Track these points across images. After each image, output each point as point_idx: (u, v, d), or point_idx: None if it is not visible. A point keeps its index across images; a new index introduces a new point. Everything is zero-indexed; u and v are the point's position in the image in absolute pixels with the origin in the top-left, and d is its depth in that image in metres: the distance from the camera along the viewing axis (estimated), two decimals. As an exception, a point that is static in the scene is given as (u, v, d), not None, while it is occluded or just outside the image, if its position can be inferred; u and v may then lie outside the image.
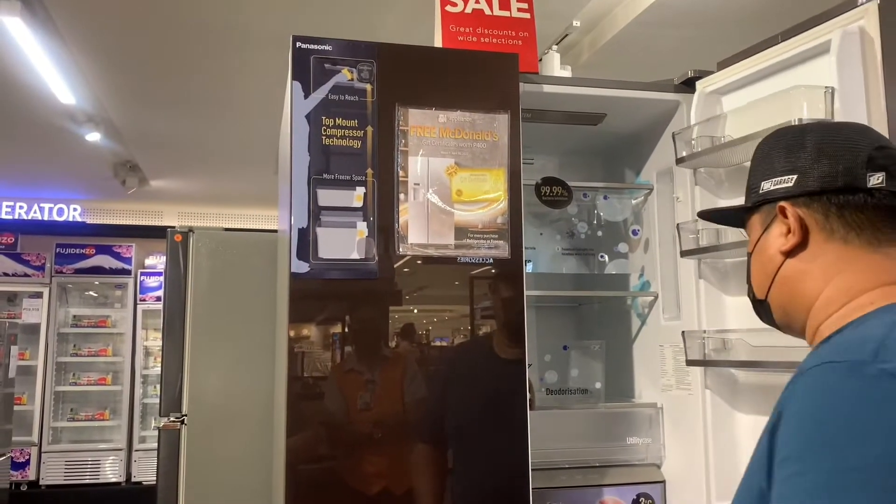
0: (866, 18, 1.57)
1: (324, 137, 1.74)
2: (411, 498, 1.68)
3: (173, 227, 2.78)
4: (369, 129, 1.77)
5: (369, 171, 1.76)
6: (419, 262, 1.76)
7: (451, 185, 1.81)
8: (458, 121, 1.84)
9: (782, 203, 1.02)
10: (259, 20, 3.92)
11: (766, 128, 1.67)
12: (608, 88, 2.08)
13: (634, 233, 2.27)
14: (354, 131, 1.76)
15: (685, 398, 2.07)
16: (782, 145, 1.05)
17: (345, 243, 1.72)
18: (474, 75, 1.88)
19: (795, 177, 1.02)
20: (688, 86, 2.07)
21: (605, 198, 2.30)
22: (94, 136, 5.68)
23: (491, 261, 1.80)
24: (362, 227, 1.74)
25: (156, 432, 2.84)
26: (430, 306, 1.78)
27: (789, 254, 1.02)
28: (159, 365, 4.13)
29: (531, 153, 2.42)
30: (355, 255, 1.72)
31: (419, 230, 1.78)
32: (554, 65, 5.01)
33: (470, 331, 1.79)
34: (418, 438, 1.72)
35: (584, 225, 2.28)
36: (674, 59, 4.28)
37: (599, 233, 2.30)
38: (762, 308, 1.10)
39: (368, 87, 1.78)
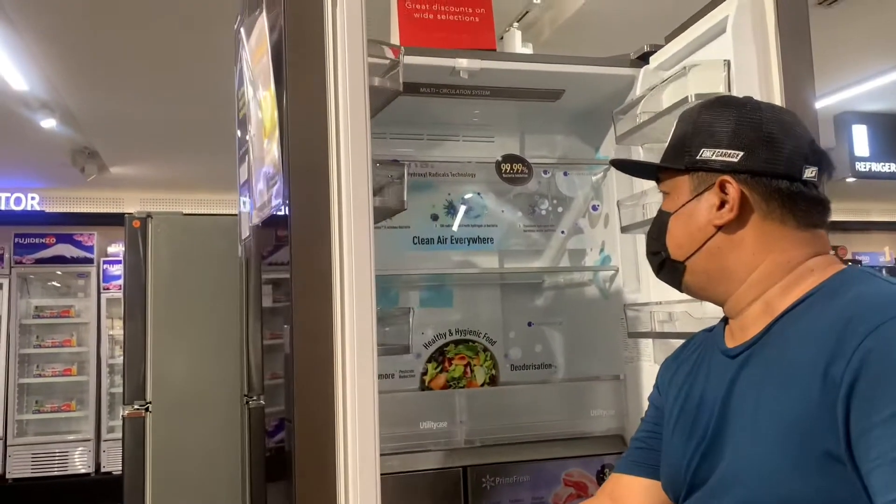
0: None
1: (238, 111, 1.69)
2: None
3: (134, 213, 2.75)
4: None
5: (247, 134, 1.63)
6: (256, 232, 1.59)
7: (263, 122, 1.47)
8: (256, 36, 1.49)
9: (725, 177, 1.06)
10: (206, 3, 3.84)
11: (677, 101, 1.71)
12: (565, 64, 2.08)
13: (594, 208, 2.29)
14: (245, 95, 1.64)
15: (647, 369, 2.11)
16: (728, 117, 1.08)
17: (244, 221, 1.65)
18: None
19: (742, 154, 1.05)
20: (643, 60, 2.08)
21: (565, 174, 2.31)
22: (49, 123, 5.54)
23: (275, 216, 1.41)
24: (248, 199, 1.61)
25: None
26: (274, 278, 1.54)
27: (722, 227, 1.06)
28: (125, 354, 4.13)
29: (491, 131, 2.43)
30: (245, 234, 1.65)
31: (259, 189, 1.54)
32: (515, 42, 4.99)
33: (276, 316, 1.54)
34: None
35: (545, 201, 2.30)
36: (635, 32, 4.29)
37: (560, 209, 2.32)
38: (673, 268, 1.12)
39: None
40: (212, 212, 8.29)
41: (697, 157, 1.07)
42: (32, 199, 8.03)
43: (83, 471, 7.02)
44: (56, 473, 6.94)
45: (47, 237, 7.37)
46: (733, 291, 1.07)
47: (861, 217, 10.83)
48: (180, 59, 4.64)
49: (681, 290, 1.14)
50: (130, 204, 8.77)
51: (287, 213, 1.36)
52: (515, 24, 4.56)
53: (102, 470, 7.03)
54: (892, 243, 9.91)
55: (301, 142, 1.37)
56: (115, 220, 8.69)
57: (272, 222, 1.49)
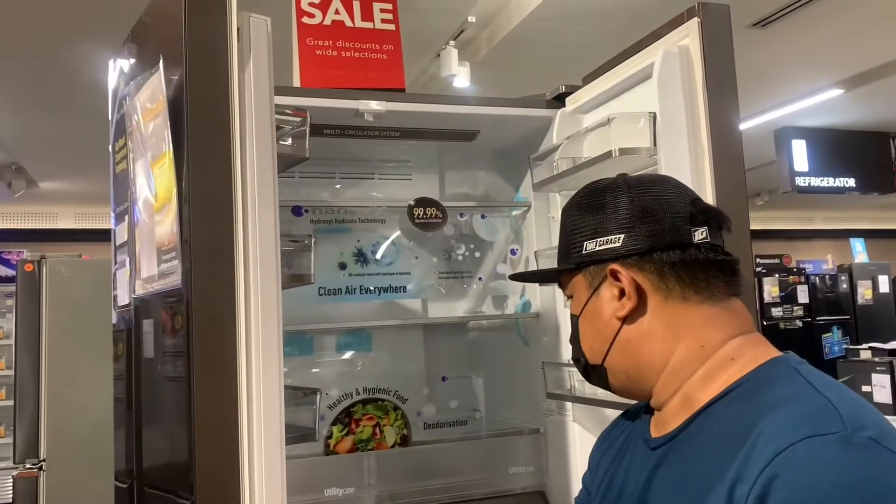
0: (690, 37, 1.52)
1: (114, 164, 1.55)
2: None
3: (71, 229, 2.57)
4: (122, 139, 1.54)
5: (129, 193, 1.49)
6: (142, 304, 1.48)
7: (156, 189, 1.35)
8: (149, 94, 1.37)
9: (613, 266, 0.99)
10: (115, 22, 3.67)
11: (600, 154, 1.64)
12: (478, 106, 1.97)
13: (513, 252, 2.19)
14: (124, 149, 1.52)
15: (568, 423, 2.01)
16: (599, 204, 1.01)
17: (123, 286, 1.52)
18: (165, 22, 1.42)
19: (622, 236, 0.98)
20: (559, 101, 1.99)
21: (483, 217, 2.21)
22: (-35, 140, 5.28)
23: (172, 295, 1.30)
24: (128, 265, 1.49)
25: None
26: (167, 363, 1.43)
27: (626, 318, 0.99)
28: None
29: (409, 168, 2.31)
30: (125, 300, 1.52)
31: (146, 260, 1.39)
32: (452, 61, 4.88)
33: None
34: None
35: (461, 246, 2.19)
36: (572, 52, 4.23)
37: (478, 254, 2.21)
38: (596, 372, 1.05)
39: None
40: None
41: (583, 252, 1.01)
42: (-43, 215, 7.69)
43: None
44: (-16, 503, 6.62)
45: (-29, 256, 7.04)
46: (653, 385, 1.00)
47: (804, 225, 11.03)
48: (98, 81, 4.44)
49: (614, 393, 1.07)
50: (65, 219, 8.49)
51: (188, 297, 1.25)
52: (452, 43, 4.48)
53: (33, 499, 6.73)
54: (835, 251, 10.10)
55: (204, 223, 1.26)
56: (48, 235, 8.37)
57: (165, 299, 1.36)
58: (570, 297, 1.08)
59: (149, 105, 1.38)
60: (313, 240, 1.72)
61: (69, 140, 5.75)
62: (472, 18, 4.18)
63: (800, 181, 6.39)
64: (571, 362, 1.83)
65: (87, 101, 4.80)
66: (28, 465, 2.36)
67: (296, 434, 1.66)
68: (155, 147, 1.34)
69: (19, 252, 7.24)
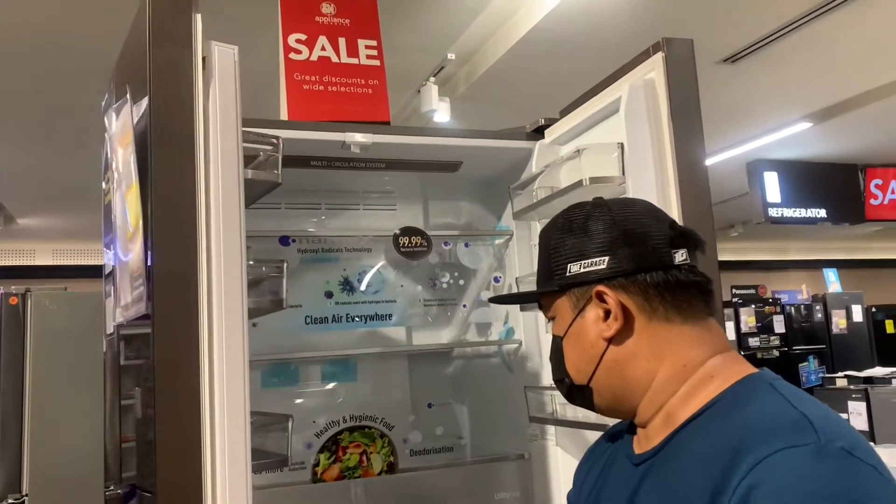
0: (655, 71, 1.59)
1: (104, 196, 1.60)
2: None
3: (49, 265, 2.57)
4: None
5: (112, 224, 1.54)
6: (121, 331, 1.50)
7: (129, 218, 1.38)
8: (121, 125, 1.40)
9: (600, 287, 1.01)
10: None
11: (572, 183, 1.70)
12: (461, 138, 2.03)
13: (496, 280, 2.24)
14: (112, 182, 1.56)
15: (551, 448, 2.04)
16: (582, 226, 1.04)
17: (108, 315, 1.54)
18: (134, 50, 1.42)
19: (606, 258, 1.01)
20: (538, 133, 2.05)
21: (467, 245, 2.26)
22: (-56, 177, 5.26)
23: (138, 323, 1.33)
24: (112, 294, 1.51)
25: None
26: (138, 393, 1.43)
27: (612, 339, 1.02)
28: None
29: (393, 199, 2.36)
30: (109, 329, 1.54)
31: (123, 288, 1.41)
32: (432, 97, 4.98)
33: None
34: None
35: (445, 274, 2.23)
36: (547, 88, 4.34)
37: (462, 281, 2.25)
38: (581, 393, 1.07)
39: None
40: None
41: (567, 275, 1.04)
42: (-67, 252, 7.61)
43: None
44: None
45: (-53, 294, 6.94)
46: (638, 403, 1.03)
47: (779, 256, 11.21)
48: (76, 117, 4.46)
49: (598, 413, 1.09)
50: (42, 255, 8.42)
51: (151, 329, 1.26)
52: (432, 79, 4.57)
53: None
54: (809, 281, 10.26)
55: (166, 249, 1.28)
56: (25, 272, 8.29)
57: (136, 328, 1.38)
58: (551, 318, 1.09)
59: (121, 136, 1.41)
60: (286, 265, 1.72)
61: (49, 176, 5.75)
62: (451, 56, 4.28)
63: (773, 212, 6.53)
64: (553, 386, 1.88)
65: (67, 137, 4.83)
66: (10, 501, 2.33)
67: (267, 460, 1.65)
68: (127, 177, 1.37)
69: (-4, 289, 7.17)
